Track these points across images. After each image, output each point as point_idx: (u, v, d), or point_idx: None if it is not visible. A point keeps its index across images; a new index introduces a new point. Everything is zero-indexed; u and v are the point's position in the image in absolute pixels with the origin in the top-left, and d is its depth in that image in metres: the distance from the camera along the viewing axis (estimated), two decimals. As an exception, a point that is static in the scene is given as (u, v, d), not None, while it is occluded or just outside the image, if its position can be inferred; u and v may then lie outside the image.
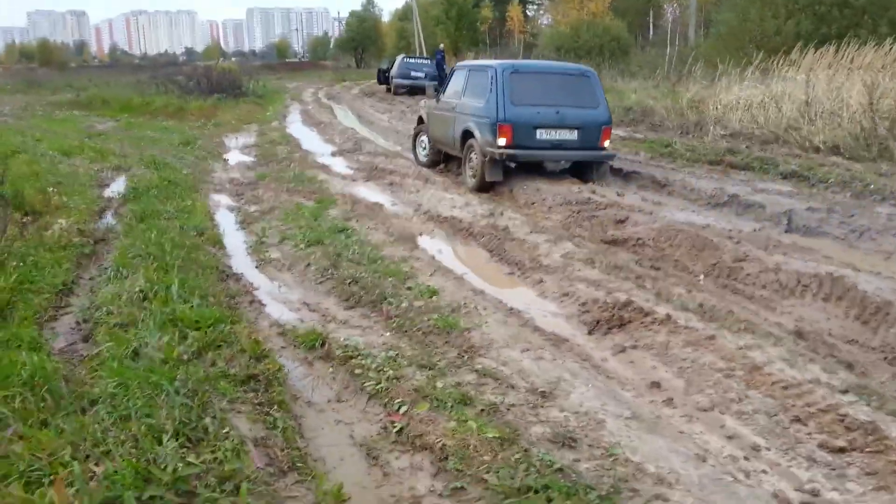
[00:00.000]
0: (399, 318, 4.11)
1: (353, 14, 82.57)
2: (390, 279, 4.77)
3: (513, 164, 8.74)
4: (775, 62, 15.04)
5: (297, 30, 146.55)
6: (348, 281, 4.77)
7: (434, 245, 5.82)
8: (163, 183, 7.88)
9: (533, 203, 7.84)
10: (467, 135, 9.11)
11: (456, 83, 9.90)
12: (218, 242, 5.95)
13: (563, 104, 8.64)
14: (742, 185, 8.22)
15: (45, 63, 69.32)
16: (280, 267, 5.41)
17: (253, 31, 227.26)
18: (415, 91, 25.38)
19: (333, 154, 11.46)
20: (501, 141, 8.39)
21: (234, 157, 11.48)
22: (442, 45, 28.93)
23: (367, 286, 4.62)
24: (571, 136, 8.64)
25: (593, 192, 7.70)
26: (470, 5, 42.45)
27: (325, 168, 9.85)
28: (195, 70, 27.34)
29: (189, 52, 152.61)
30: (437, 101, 10.32)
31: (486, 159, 8.54)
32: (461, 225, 6.38)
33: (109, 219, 7.04)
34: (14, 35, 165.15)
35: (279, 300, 4.70)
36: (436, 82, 25.96)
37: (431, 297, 4.42)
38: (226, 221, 6.89)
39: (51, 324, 4.28)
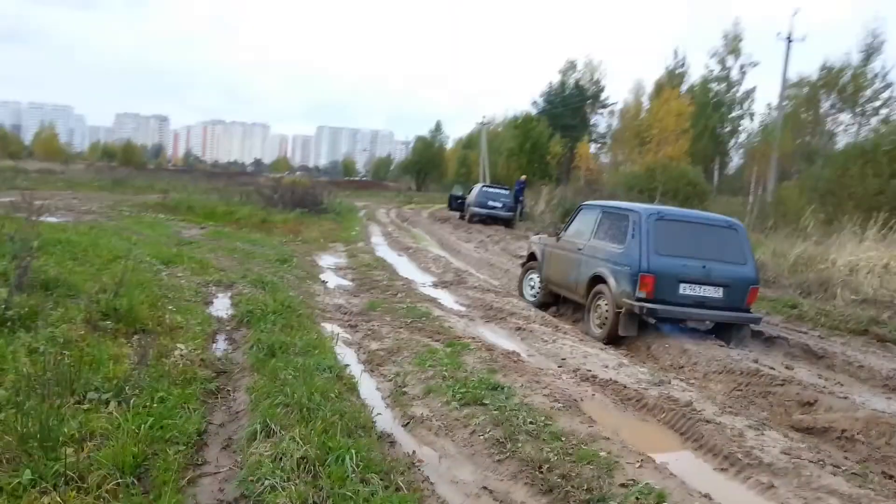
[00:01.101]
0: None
1: (419, 139, 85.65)
2: (589, 466, 3.92)
3: (652, 320, 7.97)
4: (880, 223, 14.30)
5: (365, 150, 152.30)
6: (538, 464, 3.95)
7: (610, 419, 4.98)
8: (280, 308, 7.30)
9: (681, 367, 7.00)
10: (597, 280, 8.45)
11: (583, 223, 9.34)
12: (353, 389, 5.22)
13: (709, 258, 7.95)
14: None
15: (126, 163, 72.69)
16: (435, 430, 4.62)
17: (320, 147, 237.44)
18: (491, 220, 25.27)
19: (436, 286, 10.88)
20: (641, 293, 7.68)
21: (331, 278, 10.99)
22: (524, 177, 29.05)
23: (568, 476, 3.78)
24: (717, 293, 7.91)
25: (755, 360, 6.83)
26: (544, 139, 43.28)
27: (434, 302, 9.21)
28: (276, 183, 27.87)
29: (257, 162, 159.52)
30: (558, 238, 9.76)
31: (622, 311, 7.81)
32: (626, 392, 5.54)
33: (223, 344, 6.45)
34: (100, 134, 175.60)
35: (450, 481, 3.88)
36: (511, 213, 26.12)
37: (658, 499, 3.55)
38: (349, 359, 6.20)
39: (191, 489, 3.53)
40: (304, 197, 22.75)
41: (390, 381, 5.68)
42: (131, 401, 4.19)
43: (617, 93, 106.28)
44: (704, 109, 44.85)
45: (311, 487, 3.33)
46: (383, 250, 15.66)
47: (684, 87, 48.34)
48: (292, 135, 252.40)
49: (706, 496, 3.68)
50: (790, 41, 34.93)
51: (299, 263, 11.85)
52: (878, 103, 51.67)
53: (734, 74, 53.97)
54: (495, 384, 5.35)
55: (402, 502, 3.21)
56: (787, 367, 6.69)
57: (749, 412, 5.32)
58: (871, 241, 12.86)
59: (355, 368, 5.88)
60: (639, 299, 7.70)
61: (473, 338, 7.12)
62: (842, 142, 53.73)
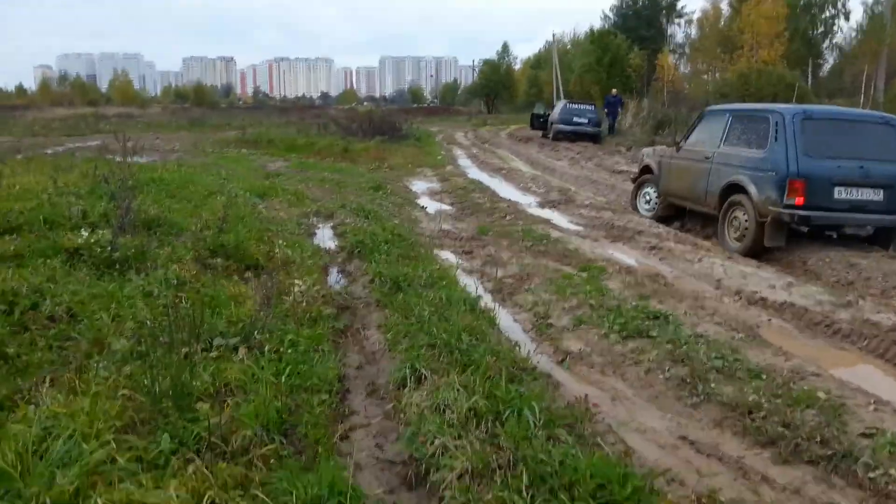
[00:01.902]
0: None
1: (486, 62, 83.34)
2: (811, 411, 3.21)
3: (804, 229, 7.05)
4: None
5: (432, 76, 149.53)
6: (747, 409, 3.26)
7: (804, 350, 4.21)
8: (391, 237, 6.74)
9: (851, 283, 6.08)
10: (732, 189, 7.52)
11: (709, 129, 8.35)
12: (492, 323, 4.61)
13: (865, 157, 6.93)
14: None
15: (198, 103, 73.44)
16: (600, 368, 3.98)
17: (384, 77, 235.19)
18: (577, 137, 24.06)
19: (543, 205, 10.12)
20: (791, 199, 6.75)
21: (429, 203, 10.37)
22: (615, 91, 27.37)
23: (789, 423, 3.08)
24: (877, 196, 6.91)
25: (945, 273, 5.87)
26: (623, 52, 40.88)
27: (549, 223, 8.48)
28: (353, 112, 27.29)
29: (324, 96, 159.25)
30: (678, 149, 8.80)
31: (768, 220, 6.91)
32: (810, 317, 4.75)
33: (338, 278, 5.94)
34: (171, 78, 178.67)
35: (637, 430, 3.24)
36: (598, 129, 24.79)
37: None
38: (477, 290, 5.58)
39: (346, 447, 3.02)
40: (383, 124, 22.04)
41: (529, 311, 5.05)
42: (263, 347, 3.70)
43: (694, 1, 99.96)
44: (794, 11, 41.40)
45: (491, 447, 2.74)
46: (474, 172, 14.91)
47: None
48: (356, 67, 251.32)
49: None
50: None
51: (393, 190, 11.28)
52: None
53: (825, -28, 49.64)
54: (655, 312, 4.65)
55: (608, 466, 2.58)
56: None
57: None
58: None
59: (486, 299, 5.27)
60: (787, 206, 6.79)
61: (607, 260, 6.40)
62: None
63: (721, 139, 7.96)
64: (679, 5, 57.52)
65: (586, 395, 3.48)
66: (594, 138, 24.21)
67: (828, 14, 51.93)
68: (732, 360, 3.82)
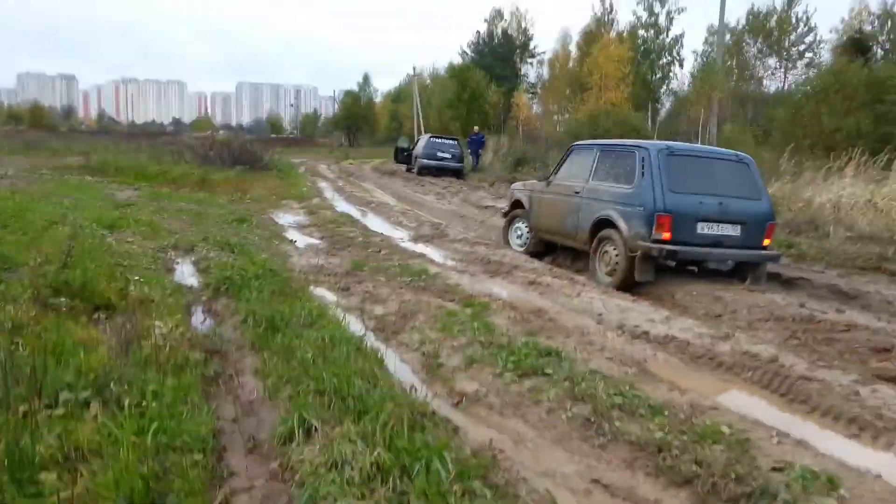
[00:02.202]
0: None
1: (348, 94, 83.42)
2: (718, 446, 3.17)
3: (671, 263, 7.32)
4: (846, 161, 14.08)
5: (292, 106, 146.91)
6: (655, 448, 3.16)
7: (692, 383, 4.23)
8: (262, 272, 6.27)
9: (718, 315, 6.33)
10: (602, 224, 7.73)
11: (577, 164, 8.57)
12: (380, 364, 4.31)
13: (724, 194, 7.34)
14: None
15: (35, 126, 67.77)
16: (498, 409, 3.77)
17: (241, 104, 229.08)
18: (440, 172, 24.33)
19: (415, 240, 9.95)
20: (658, 234, 7.01)
21: (298, 237, 9.91)
22: (477, 128, 27.98)
23: (700, 461, 3.01)
24: (734, 231, 7.32)
25: (802, 305, 6.22)
26: (482, 89, 42.15)
27: (425, 258, 8.30)
28: (210, 140, 26.05)
29: (177, 122, 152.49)
30: (548, 183, 8.95)
31: (637, 255, 7.12)
32: (693, 350, 4.82)
33: (203, 318, 5.41)
34: (3, 96, 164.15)
35: (549, 475, 3.06)
36: (461, 164, 25.20)
37: (829, 486, 2.83)
38: (359, 330, 5.26)
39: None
40: (243, 154, 21.20)
41: (416, 350, 4.78)
42: (122, 401, 3.19)
43: (545, 42, 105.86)
44: (634, 57, 44.65)
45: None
46: (342, 205, 14.56)
47: (612, 35, 48.02)
48: (211, 92, 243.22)
49: (878, 476, 2.98)
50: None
51: (259, 222, 10.72)
52: (802, 47, 52.70)
53: (662, 21, 54.09)
54: (546, 349, 4.53)
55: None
56: (838, 311, 6.10)
57: (842, 365, 4.65)
58: (849, 177, 12.55)
59: (371, 339, 4.96)
60: (655, 241, 7.03)
61: (489, 295, 6.28)
62: (770, 86, 54.83)
63: (590, 174, 8.16)
64: (532, 45, 60.57)
65: (491, 441, 3.26)
66: (457, 174, 24.60)
67: (665, 61, 56.43)
68: (631, 395, 3.75)
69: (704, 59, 38.71)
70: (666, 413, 3.55)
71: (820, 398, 3.91)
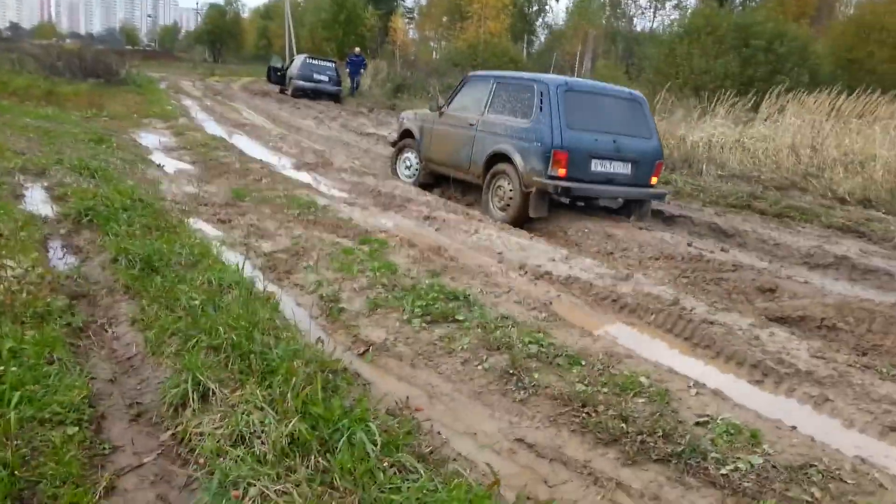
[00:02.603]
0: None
1: (212, 6, 78.28)
2: (640, 399, 3.09)
3: (566, 200, 7.29)
4: (715, 101, 14.70)
5: (150, 16, 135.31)
6: (580, 403, 3.04)
7: (601, 327, 4.17)
8: (131, 202, 5.59)
9: (610, 253, 6.37)
10: (497, 159, 7.55)
11: (472, 96, 8.27)
12: (275, 311, 3.92)
13: (617, 132, 7.34)
14: (818, 239, 7.22)
15: None
16: (409, 360, 3.53)
17: (91, 11, 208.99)
18: (316, 95, 23.31)
19: (298, 168, 9.36)
20: (554, 171, 6.92)
21: (166, 161, 9.04)
22: (358, 50, 26.61)
23: (626, 416, 2.92)
24: (625, 169, 7.37)
25: (690, 244, 6.35)
26: (359, 11, 40.40)
27: (311, 189, 7.81)
28: (51, 49, 23.51)
29: (14, 27, 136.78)
30: (441, 114, 8.62)
31: (532, 191, 7.02)
32: (595, 291, 4.76)
33: (63, 255, 4.75)
34: None
35: (469, 434, 2.87)
36: (339, 88, 24.19)
37: (752, 441, 2.81)
38: (247, 269, 4.82)
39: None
40: (97, 66, 19.22)
41: (313, 293, 4.42)
42: (-29, 364, 2.66)
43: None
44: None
45: (325, 489, 2.17)
46: (212, 127, 13.53)
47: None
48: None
49: (793, 427, 3.01)
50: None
51: (120, 144, 9.68)
52: (671, -14, 54.38)
53: (540, -48, 53.94)
54: (453, 292, 4.32)
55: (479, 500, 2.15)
56: (722, 250, 6.29)
57: (737, 307, 4.75)
58: (720, 118, 13.06)
59: (261, 280, 4.54)
60: (551, 177, 6.94)
61: (385, 231, 5.96)
62: (639, 24, 56.50)
63: (485, 106, 7.90)
64: (409, -33, 58.89)
65: (407, 399, 3.02)
66: (335, 97, 23.65)
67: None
68: (547, 344, 3.62)
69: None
70: (583, 363, 3.44)
71: (724, 343, 3.94)
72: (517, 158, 7.20)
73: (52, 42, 72.99)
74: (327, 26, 40.17)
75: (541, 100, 7.13)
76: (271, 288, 4.38)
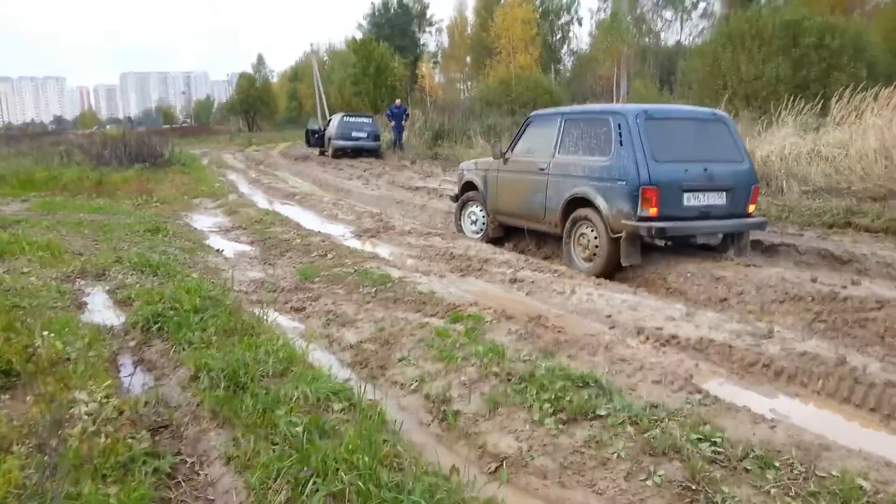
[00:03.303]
0: None
1: (243, 76, 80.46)
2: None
3: (661, 243, 6.67)
4: (778, 109, 13.94)
5: (183, 93, 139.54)
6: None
7: (776, 408, 3.50)
8: (201, 302, 5.16)
9: (724, 299, 5.71)
10: (576, 203, 6.97)
11: (538, 137, 7.74)
12: (383, 424, 3.37)
13: (707, 159, 6.69)
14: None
15: None
16: (556, 475, 2.93)
17: (127, 96, 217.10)
18: (357, 152, 23.16)
19: (360, 236, 8.94)
20: (645, 210, 6.29)
21: (223, 244, 8.73)
22: (399, 101, 26.33)
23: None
24: (720, 199, 6.71)
25: (814, 279, 5.64)
26: (388, 61, 40.70)
27: (380, 258, 7.34)
28: (99, 137, 23.95)
29: (58, 120, 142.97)
30: (505, 161, 8.11)
31: (623, 236, 6.40)
32: (740, 356, 4.11)
33: (134, 372, 4.30)
34: None
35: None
36: (378, 143, 24.00)
37: None
38: (338, 369, 4.32)
39: None
40: (141, 149, 19.32)
41: (416, 392, 3.88)
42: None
43: (441, 10, 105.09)
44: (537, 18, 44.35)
45: None
46: (263, 200, 13.31)
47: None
48: (93, 86, 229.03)
49: None
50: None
51: (175, 231, 9.40)
52: (696, -2, 53.86)
53: (560, -20, 54.17)
54: (580, 377, 3.72)
55: None
56: (854, 283, 5.57)
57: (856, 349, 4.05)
58: (790, 127, 12.29)
59: (355, 381, 4.02)
60: (641, 218, 6.31)
61: (474, 304, 5.40)
62: (667, 39, 55.88)
63: (555, 147, 7.37)
64: (429, 14, 59.67)
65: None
66: (375, 153, 23.48)
67: (563, 20, 56.67)
68: (719, 439, 2.99)
69: (611, 14, 38.57)
70: (777, 464, 2.80)
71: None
72: (600, 201, 6.62)
73: (94, 130, 75.57)
74: (357, 80, 40.47)
75: (619, 133, 6.56)
76: (369, 389, 3.85)
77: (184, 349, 4.37)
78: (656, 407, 3.35)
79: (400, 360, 4.31)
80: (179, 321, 4.81)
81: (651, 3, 54.43)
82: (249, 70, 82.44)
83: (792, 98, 14.03)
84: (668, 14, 54.82)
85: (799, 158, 11.33)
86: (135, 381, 4.17)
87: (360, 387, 3.79)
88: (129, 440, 3.19)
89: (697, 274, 6.16)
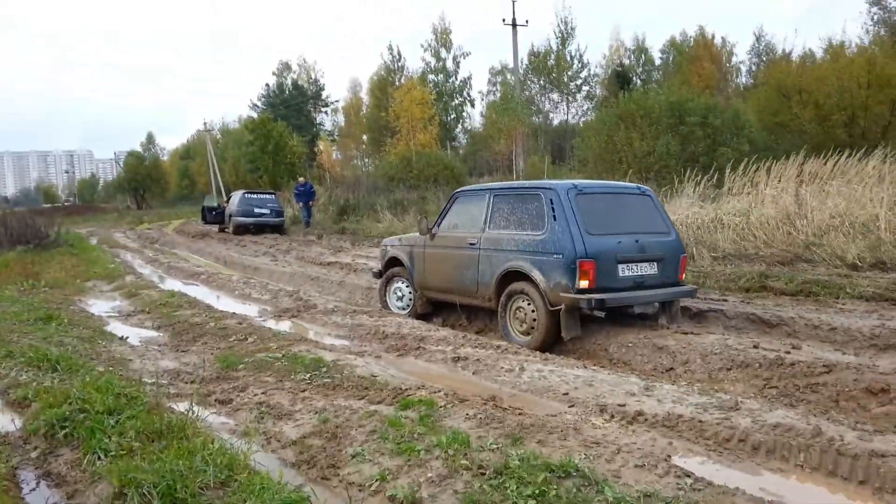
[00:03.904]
0: None
1: (131, 153, 78.36)
2: None
3: (600, 314, 6.61)
4: (676, 182, 14.69)
5: (66, 172, 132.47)
6: None
7: (756, 483, 3.34)
8: (116, 401, 4.54)
9: (669, 369, 5.64)
10: (511, 277, 6.85)
11: (466, 213, 7.66)
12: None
13: (635, 231, 6.80)
14: (869, 316, 6.68)
15: None
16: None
17: (4, 176, 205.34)
18: (260, 230, 22.54)
19: (279, 317, 8.43)
20: (583, 283, 6.24)
21: (127, 331, 8.00)
22: (301, 178, 25.55)
23: None
24: (653, 269, 6.79)
25: (755, 346, 5.65)
26: (286, 139, 40.25)
27: (308, 341, 6.87)
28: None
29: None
30: (432, 236, 7.94)
31: (562, 309, 6.31)
32: (711, 431, 3.93)
33: (41, 490, 3.67)
34: None
35: None
36: (282, 219, 23.41)
37: None
38: (271, 467, 3.85)
39: None
40: (24, 230, 17.99)
41: (378, 493, 3.46)
42: None
43: (336, 91, 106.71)
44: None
45: None
46: (164, 281, 12.49)
47: (402, 81, 48.89)
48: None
49: None
50: (515, 26, 36.55)
51: (71, 318, 8.54)
52: (579, 81, 57.21)
53: (449, 65, 56.27)
54: (559, 466, 3.42)
55: None
56: (794, 347, 5.61)
57: (862, 420, 4.02)
58: (692, 197, 12.85)
59: (308, 486, 3.56)
60: (580, 291, 6.25)
61: (420, 387, 5.05)
62: (556, 119, 58.67)
63: (485, 222, 7.28)
64: (324, 94, 60.43)
65: None
66: (278, 229, 22.91)
67: (457, 101, 58.56)
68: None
69: (507, 94, 39.98)
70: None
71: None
72: (536, 275, 6.51)
73: (-32, 210, 70.40)
74: (254, 158, 39.79)
75: (552, 207, 6.55)
76: (320, 492, 3.42)
77: (100, 459, 3.78)
78: (650, 496, 3.10)
79: (353, 457, 3.88)
80: (92, 425, 4.19)
81: (538, 86, 57.20)
82: (138, 148, 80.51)
83: (685, 171, 14.80)
84: (554, 96, 57.67)
85: (703, 227, 11.80)
86: (40, 500, 3.56)
87: (316, 494, 3.35)
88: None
89: (638, 344, 6.09)
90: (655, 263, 6.75)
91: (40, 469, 3.94)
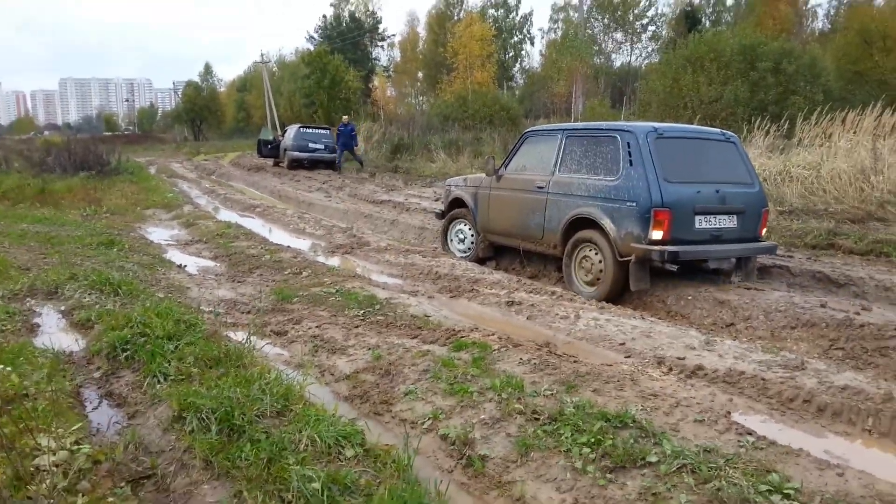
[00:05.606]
0: None
1: (189, 84, 78.78)
2: None
3: (673, 267, 6.42)
4: (746, 130, 14.11)
5: (127, 100, 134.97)
6: None
7: (821, 445, 3.24)
8: (175, 327, 4.63)
9: (730, 324, 5.48)
10: (578, 225, 6.63)
11: (536, 154, 7.37)
12: (401, 471, 2.96)
13: (718, 180, 6.45)
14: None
15: None
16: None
17: (67, 102, 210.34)
18: (314, 165, 22.58)
19: (333, 252, 8.49)
20: (657, 233, 5.99)
21: (185, 259, 8.16)
22: (346, 118, 25.14)
23: None
24: (731, 223, 6.45)
25: (823, 305, 5.44)
26: (342, 74, 40.04)
27: (360, 278, 6.89)
28: (39, 143, 22.78)
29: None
30: (498, 178, 7.74)
31: (633, 260, 6.10)
32: (775, 390, 3.82)
33: (102, 408, 3.79)
34: None
35: None
36: (335, 155, 23.34)
37: None
38: (325, 399, 3.89)
39: None
40: (87, 157, 18.41)
41: (432, 431, 3.47)
42: None
43: (393, 25, 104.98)
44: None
45: None
46: (221, 212, 12.69)
47: (461, 15, 47.72)
48: (30, 90, 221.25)
49: None
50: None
51: (131, 244, 8.76)
52: (645, 21, 55.18)
53: (510, 0, 54.66)
54: (616, 416, 3.37)
55: None
56: (863, 308, 5.38)
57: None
58: (758, 148, 12.34)
59: (358, 417, 3.59)
60: (653, 242, 6.01)
61: (473, 328, 5.02)
62: (617, 61, 56.82)
63: (555, 165, 7.01)
64: (381, 28, 59.40)
65: None
66: (332, 165, 22.89)
67: (516, 39, 57.17)
68: (792, 491, 2.67)
69: (570, 31, 38.82)
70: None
71: None
72: (607, 223, 6.28)
73: (31, 135, 72.55)
74: (311, 92, 39.73)
75: (629, 151, 6.25)
76: (379, 429, 3.44)
77: (160, 382, 3.87)
78: (709, 452, 3.02)
79: (406, 395, 3.89)
80: (152, 349, 4.28)
81: (602, 24, 55.37)
82: (196, 79, 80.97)
83: (753, 119, 14.18)
84: (618, 36, 55.77)
85: (770, 179, 11.34)
86: (103, 418, 3.66)
87: (370, 428, 3.37)
88: (107, 494, 2.71)
89: (698, 297, 5.92)
90: (735, 216, 6.42)
91: (102, 389, 4.05)
